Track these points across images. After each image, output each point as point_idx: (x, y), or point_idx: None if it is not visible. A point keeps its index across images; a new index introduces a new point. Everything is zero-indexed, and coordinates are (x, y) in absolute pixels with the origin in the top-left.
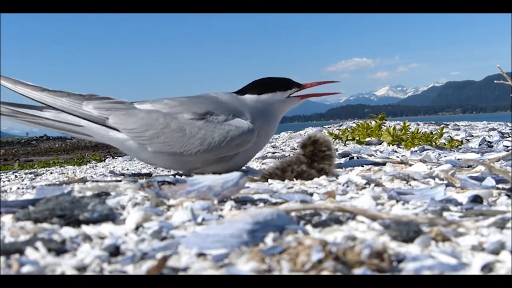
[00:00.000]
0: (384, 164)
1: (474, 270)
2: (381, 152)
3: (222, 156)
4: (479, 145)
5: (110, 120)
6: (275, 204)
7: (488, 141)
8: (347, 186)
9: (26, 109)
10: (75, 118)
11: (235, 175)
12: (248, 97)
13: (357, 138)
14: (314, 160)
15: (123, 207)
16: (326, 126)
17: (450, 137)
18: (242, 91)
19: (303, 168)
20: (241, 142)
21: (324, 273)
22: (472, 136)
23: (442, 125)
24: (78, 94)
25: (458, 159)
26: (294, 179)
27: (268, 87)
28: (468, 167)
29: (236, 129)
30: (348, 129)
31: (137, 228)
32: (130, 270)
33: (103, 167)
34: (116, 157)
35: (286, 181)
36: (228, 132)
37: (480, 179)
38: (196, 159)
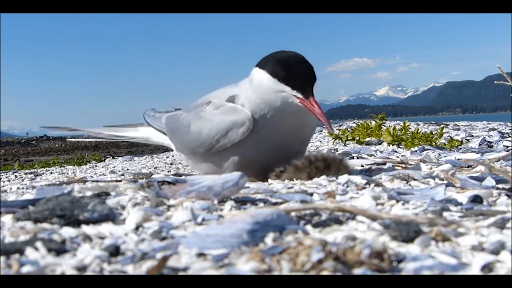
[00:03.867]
0: (384, 164)
1: (474, 270)
2: (381, 152)
3: (226, 153)
4: (479, 145)
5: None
6: (275, 204)
7: (488, 141)
8: (347, 186)
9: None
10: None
11: (235, 175)
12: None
13: (357, 138)
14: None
15: (123, 207)
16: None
17: (450, 137)
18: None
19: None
20: (233, 129)
21: (324, 273)
22: (472, 136)
23: (442, 125)
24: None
25: (458, 159)
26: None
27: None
28: (468, 167)
29: (228, 116)
30: (348, 129)
31: (137, 228)
32: (130, 270)
33: (103, 167)
34: (116, 157)
35: (286, 181)
36: (219, 121)
37: (480, 179)
38: (206, 156)
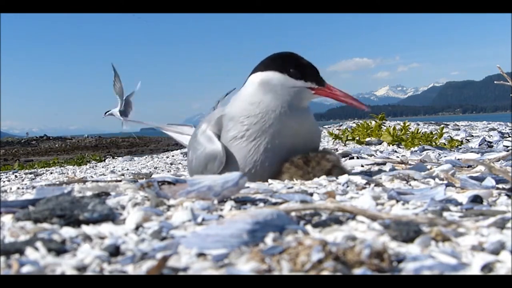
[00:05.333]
0: (384, 164)
1: (474, 270)
2: (381, 152)
3: None
4: (479, 145)
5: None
6: (275, 204)
7: (488, 141)
8: (347, 186)
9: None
10: None
11: (235, 175)
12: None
13: (357, 138)
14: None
15: (123, 207)
16: (326, 126)
17: (450, 137)
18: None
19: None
20: (209, 162)
21: (324, 273)
22: (472, 136)
23: (442, 125)
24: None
25: (458, 159)
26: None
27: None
28: (468, 167)
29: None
30: (348, 129)
31: (137, 228)
32: (130, 270)
33: (103, 167)
34: (116, 157)
35: (286, 181)
36: (199, 154)
37: (480, 179)
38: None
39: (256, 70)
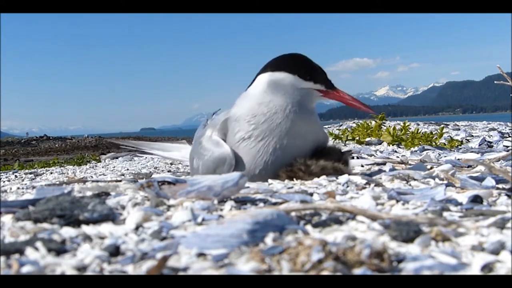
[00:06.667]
0: (384, 164)
1: (474, 270)
2: (381, 152)
3: None
4: (479, 145)
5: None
6: (275, 204)
7: (488, 141)
8: (347, 186)
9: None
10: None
11: (235, 175)
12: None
13: (357, 138)
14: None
15: (123, 207)
16: (326, 126)
17: (450, 137)
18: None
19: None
20: (219, 167)
21: (324, 273)
22: (472, 136)
23: (442, 125)
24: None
25: (458, 159)
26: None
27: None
28: (468, 167)
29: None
30: (348, 129)
31: (137, 228)
32: (130, 270)
33: (103, 167)
34: (116, 157)
35: (286, 181)
36: (207, 159)
37: (480, 179)
38: None
39: (265, 70)
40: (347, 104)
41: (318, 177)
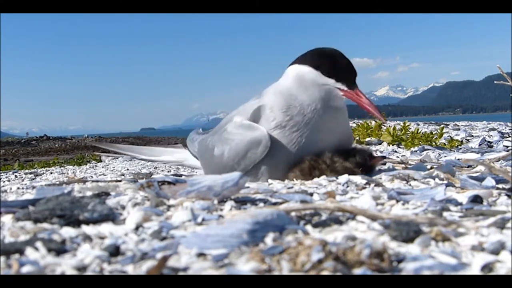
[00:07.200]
0: (384, 164)
1: (474, 270)
2: (381, 152)
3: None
4: (479, 145)
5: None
6: (275, 204)
7: (488, 141)
8: (347, 186)
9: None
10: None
11: (235, 175)
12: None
13: (357, 138)
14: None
15: (123, 207)
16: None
17: (450, 137)
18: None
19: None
20: (251, 150)
21: (324, 273)
22: (472, 136)
23: (442, 125)
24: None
25: (458, 159)
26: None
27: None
28: (468, 167)
29: (240, 139)
30: None
31: (137, 228)
32: (130, 270)
33: (103, 167)
34: (116, 157)
35: (286, 181)
36: (237, 143)
37: (480, 179)
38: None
39: (294, 62)
40: (363, 108)
41: (339, 175)
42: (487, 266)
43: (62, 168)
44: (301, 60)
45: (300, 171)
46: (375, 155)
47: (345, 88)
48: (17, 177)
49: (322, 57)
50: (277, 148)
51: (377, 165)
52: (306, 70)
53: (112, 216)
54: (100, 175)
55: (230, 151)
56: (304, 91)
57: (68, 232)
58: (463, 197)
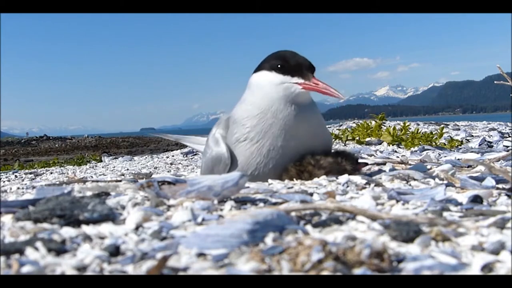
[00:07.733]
0: (384, 164)
1: (474, 270)
2: (381, 152)
3: None
4: (479, 145)
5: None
6: (275, 204)
7: (488, 141)
8: (347, 186)
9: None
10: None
11: (235, 175)
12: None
13: (357, 138)
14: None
15: (123, 207)
16: (326, 126)
17: (450, 137)
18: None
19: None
20: (215, 166)
21: (324, 273)
22: (472, 136)
23: (442, 125)
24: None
25: (458, 159)
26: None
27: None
28: (468, 167)
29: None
30: (348, 129)
31: (137, 228)
32: (130, 270)
33: (103, 167)
34: (116, 157)
35: (286, 181)
36: (207, 158)
37: (480, 179)
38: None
39: (254, 71)
40: (322, 93)
41: (328, 172)
42: (487, 266)
43: (62, 168)
44: (257, 67)
45: (289, 179)
46: (360, 161)
47: (302, 81)
48: (17, 177)
49: (275, 58)
50: (238, 162)
51: (361, 171)
52: (262, 74)
53: (112, 216)
54: (100, 175)
55: (203, 163)
56: (264, 96)
57: (68, 232)
58: (463, 197)
